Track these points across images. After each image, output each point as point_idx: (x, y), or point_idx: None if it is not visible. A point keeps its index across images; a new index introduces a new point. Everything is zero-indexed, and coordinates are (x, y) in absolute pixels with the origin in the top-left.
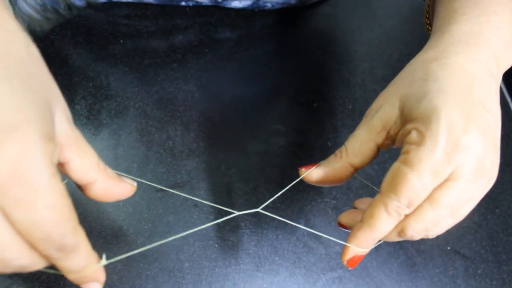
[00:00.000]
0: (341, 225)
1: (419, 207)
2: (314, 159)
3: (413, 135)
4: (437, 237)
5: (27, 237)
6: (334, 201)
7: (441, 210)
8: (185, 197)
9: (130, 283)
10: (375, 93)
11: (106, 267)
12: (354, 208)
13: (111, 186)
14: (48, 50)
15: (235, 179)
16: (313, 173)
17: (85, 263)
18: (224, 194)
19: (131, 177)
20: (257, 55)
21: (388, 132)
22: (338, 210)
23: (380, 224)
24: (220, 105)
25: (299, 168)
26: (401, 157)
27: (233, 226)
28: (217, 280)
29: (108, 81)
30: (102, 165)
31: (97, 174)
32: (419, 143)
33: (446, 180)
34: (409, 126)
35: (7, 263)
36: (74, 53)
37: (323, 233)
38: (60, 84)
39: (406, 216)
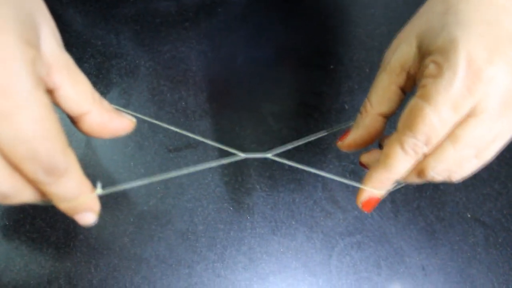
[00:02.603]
0: (362, 164)
1: (439, 145)
2: (330, 122)
3: (431, 67)
4: (457, 203)
5: (9, 156)
6: (352, 165)
7: (464, 149)
8: (198, 158)
9: (142, 246)
10: None
11: (117, 229)
12: (380, 145)
13: (107, 120)
14: (55, 7)
15: (250, 141)
16: (346, 140)
17: (78, 190)
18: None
19: (130, 112)
20: (271, 16)
21: (408, 72)
22: (356, 174)
23: (396, 164)
24: (233, 66)
25: (336, 143)
26: (418, 92)
27: (248, 188)
28: (232, 244)
29: (118, 40)
30: (97, 95)
31: (91, 105)
32: (437, 75)
33: (469, 116)
34: (427, 60)
35: None
36: (83, 11)
37: (340, 197)
38: (68, 42)
39: (426, 156)
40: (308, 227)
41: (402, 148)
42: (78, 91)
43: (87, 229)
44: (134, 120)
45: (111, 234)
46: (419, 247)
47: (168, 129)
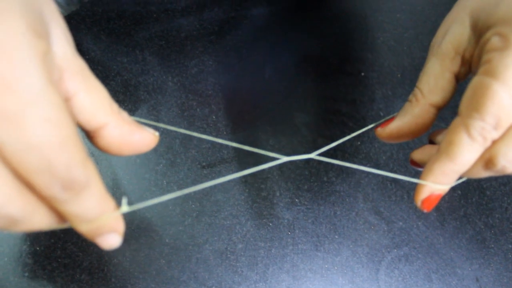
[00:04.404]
0: (413, 163)
1: (511, 128)
2: (366, 130)
3: (494, 40)
4: (506, 209)
5: (17, 168)
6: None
7: None
8: (233, 173)
9: (179, 268)
10: (423, 61)
11: (153, 251)
12: (431, 142)
13: (127, 133)
14: (79, 26)
15: (285, 153)
16: (390, 127)
17: (100, 208)
18: (275, 168)
19: (160, 125)
20: (295, 25)
21: (463, 56)
22: (397, 182)
23: (462, 152)
24: (262, 77)
25: (375, 130)
26: (482, 69)
27: (287, 203)
28: (274, 262)
29: (143, 56)
30: (115, 106)
31: (109, 116)
32: (503, 47)
33: None
34: (488, 34)
35: None
36: (107, 29)
37: (383, 207)
38: (93, 60)
39: (494, 142)
40: (352, 241)
41: (468, 133)
42: (94, 100)
43: (121, 253)
44: (157, 134)
45: (147, 257)
46: (470, 257)
47: (201, 145)
